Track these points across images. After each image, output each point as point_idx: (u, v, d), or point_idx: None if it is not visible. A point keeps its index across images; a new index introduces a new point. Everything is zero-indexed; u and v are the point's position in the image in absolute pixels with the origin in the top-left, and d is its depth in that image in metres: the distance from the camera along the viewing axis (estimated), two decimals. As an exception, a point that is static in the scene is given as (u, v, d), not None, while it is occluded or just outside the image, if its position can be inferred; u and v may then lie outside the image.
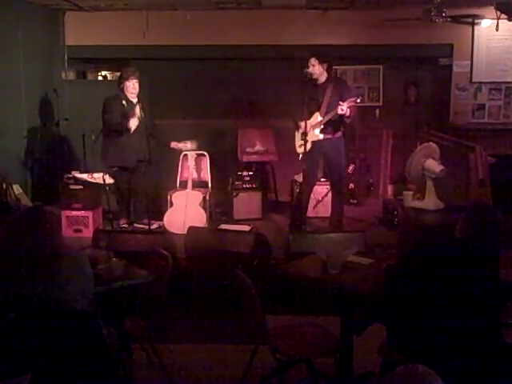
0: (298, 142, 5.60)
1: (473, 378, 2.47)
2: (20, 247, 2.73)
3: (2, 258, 2.79)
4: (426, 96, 7.86)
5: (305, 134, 5.41)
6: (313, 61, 5.32)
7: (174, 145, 6.04)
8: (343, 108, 5.24)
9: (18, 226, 2.79)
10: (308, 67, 5.35)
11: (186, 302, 4.59)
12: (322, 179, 6.39)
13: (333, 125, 5.44)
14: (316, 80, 5.39)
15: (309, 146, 5.48)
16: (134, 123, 5.58)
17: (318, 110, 5.41)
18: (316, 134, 5.44)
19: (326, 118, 5.38)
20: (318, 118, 5.42)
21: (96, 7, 7.30)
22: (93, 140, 5.83)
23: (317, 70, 5.34)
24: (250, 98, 7.47)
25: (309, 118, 5.43)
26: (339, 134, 5.53)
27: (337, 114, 5.28)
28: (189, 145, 6.05)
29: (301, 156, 5.64)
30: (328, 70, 5.44)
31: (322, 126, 5.41)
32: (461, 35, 7.58)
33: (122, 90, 5.74)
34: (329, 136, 5.47)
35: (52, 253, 2.74)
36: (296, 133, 5.64)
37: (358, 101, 5.35)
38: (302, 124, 5.38)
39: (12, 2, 6.48)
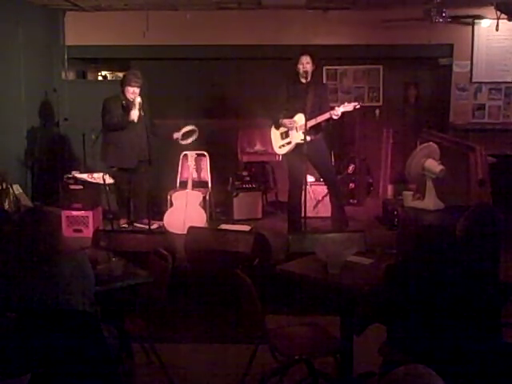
0: (278, 141, 5.54)
1: (473, 378, 2.48)
2: (20, 248, 2.73)
3: (2, 259, 2.80)
4: (426, 96, 7.86)
5: (286, 133, 5.40)
6: (308, 58, 5.30)
7: (176, 135, 6.03)
8: (338, 113, 5.21)
9: (18, 227, 2.79)
10: (301, 64, 5.29)
11: (186, 302, 4.58)
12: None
13: (315, 126, 5.33)
14: (305, 78, 5.33)
15: (291, 147, 5.45)
16: (135, 114, 5.58)
17: (302, 111, 5.22)
18: (301, 137, 5.24)
19: (317, 121, 5.27)
20: (301, 120, 5.23)
21: (96, 7, 7.30)
22: (93, 140, 5.83)
23: (310, 68, 5.32)
24: (250, 98, 7.46)
25: (290, 118, 5.39)
26: (320, 134, 5.47)
27: (330, 118, 5.25)
28: (187, 128, 6.05)
29: (281, 156, 5.64)
30: (314, 72, 5.42)
31: (307, 129, 5.22)
32: (461, 35, 7.59)
33: (123, 92, 5.74)
34: (311, 137, 5.33)
35: (52, 253, 2.74)
36: (273, 131, 5.57)
37: (358, 106, 5.32)
38: (287, 120, 5.35)
39: (12, 2, 6.48)
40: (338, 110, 5.23)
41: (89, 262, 2.95)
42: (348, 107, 5.27)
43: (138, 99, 5.60)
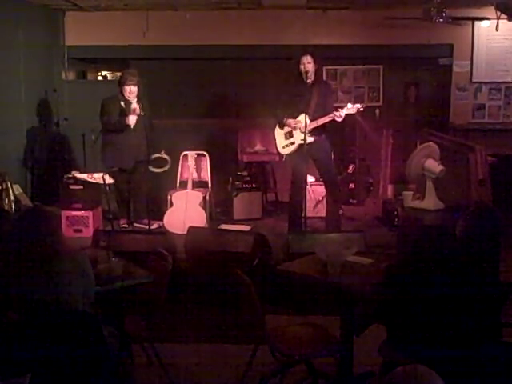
0: (282, 141, 5.54)
1: (473, 378, 2.48)
2: (21, 247, 2.73)
3: (2, 258, 2.79)
4: (425, 96, 7.86)
5: (290, 134, 5.40)
6: (309, 58, 5.29)
7: (162, 154, 5.94)
8: (341, 114, 5.20)
9: (18, 226, 2.79)
10: (302, 64, 5.28)
11: (186, 302, 4.58)
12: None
13: (318, 127, 5.30)
14: (307, 78, 5.32)
15: (295, 147, 5.45)
16: (132, 120, 5.58)
17: (305, 111, 5.23)
18: (303, 137, 5.22)
19: (320, 123, 5.24)
20: (304, 120, 5.21)
21: (96, 7, 7.30)
22: (93, 140, 5.83)
23: (311, 67, 5.32)
24: (250, 98, 7.47)
25: (294, 117, 5.38)
26: (323, 135, 5.46)
27: (333, 120, 5.24)
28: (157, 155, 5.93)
29: (285, 157, 5.64)
30: (317, 72, 5.42)
31: (310, 129, 5.23)
32: (461, 35, 7.59)
33: (121, 92, 5.74)
34: (315, 138, 5.33)
35: (53, 253, 2.74)
36: (277, 131, 5.56)
37: (361, 109, 5.28)
38: (291, 121, 5.36)
39: (12, 2, 6.48)
40: (342, 112, 5.21)
41: (89, 262, 2.95)
42: (351, 109, 5.25)
43: (136, 105, 5.56)
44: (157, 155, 5.95)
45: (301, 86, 5.35)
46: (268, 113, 5.68)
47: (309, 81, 5.33)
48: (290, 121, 5.38)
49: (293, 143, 5.45)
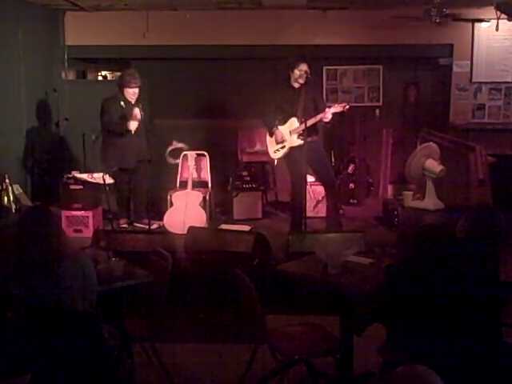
0: (273, 146, 5.58)
1: (473, 378, 2.48)
2: (23, 247, 2.72)
3: (3, 258, 2.79)
4: (426, 96, 7.86)
5: (282, 140, 5.43)
6: (306, 66, 5.28)
7: (175, 144, 6.08)
8: (328, 116, 5.21)
9: (21, 226, 2.78)
10: (299, 70, 5.27)
11: (186, 302, 4.58)
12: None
13: (310, 128, 5.29)
14: (298, 83, 5.33)
15: (285, 151, 5.46)
16: (133, 125, 5.58)
17: (294, 115, 5.30)
18: (295, 140, 5.34)
19: (308, 124, 5.22)
20: (294, 123, 5.32)
21: (96, 7, 7.30)
22: (93, 140, 5.83)
23: (305, 74, 5.27)
24: (250, 98, 7.47)
25: (283, 122, 5.42)
26: (317, 136, 5.49)
27: (320, 121, 5.25)
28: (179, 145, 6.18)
29: (276, 161, 5.66)
30: (307, 76, 5.42)
31: (301, 131, 5.25)
32: (461, 35, 7.59)
33: (122, 92, 5.73)
34: (307, 139, 5.28)
35: (56, 254, 2.73)
36: (268, 137, 5.61)
37: (347, 107, 5.29)
38: (278, 132, 5.40)
39: (12, 2, 6.48)
40: (328, 113, 5.22)
41: (92, 264, 2.95)
42: (337, 108, 5.26)
43: (137, 111, 5.57)
44: (172, 147, 6.09)
45: (289, 90, 5.40)
46: (261, 122, 5.71)
47: (298, 85, 5.35)
48: (277, 134, 5.42)
49: (283, 147, 5.48)
